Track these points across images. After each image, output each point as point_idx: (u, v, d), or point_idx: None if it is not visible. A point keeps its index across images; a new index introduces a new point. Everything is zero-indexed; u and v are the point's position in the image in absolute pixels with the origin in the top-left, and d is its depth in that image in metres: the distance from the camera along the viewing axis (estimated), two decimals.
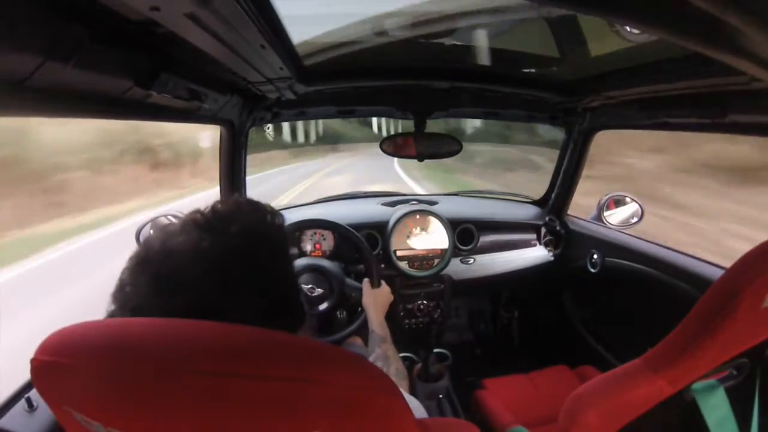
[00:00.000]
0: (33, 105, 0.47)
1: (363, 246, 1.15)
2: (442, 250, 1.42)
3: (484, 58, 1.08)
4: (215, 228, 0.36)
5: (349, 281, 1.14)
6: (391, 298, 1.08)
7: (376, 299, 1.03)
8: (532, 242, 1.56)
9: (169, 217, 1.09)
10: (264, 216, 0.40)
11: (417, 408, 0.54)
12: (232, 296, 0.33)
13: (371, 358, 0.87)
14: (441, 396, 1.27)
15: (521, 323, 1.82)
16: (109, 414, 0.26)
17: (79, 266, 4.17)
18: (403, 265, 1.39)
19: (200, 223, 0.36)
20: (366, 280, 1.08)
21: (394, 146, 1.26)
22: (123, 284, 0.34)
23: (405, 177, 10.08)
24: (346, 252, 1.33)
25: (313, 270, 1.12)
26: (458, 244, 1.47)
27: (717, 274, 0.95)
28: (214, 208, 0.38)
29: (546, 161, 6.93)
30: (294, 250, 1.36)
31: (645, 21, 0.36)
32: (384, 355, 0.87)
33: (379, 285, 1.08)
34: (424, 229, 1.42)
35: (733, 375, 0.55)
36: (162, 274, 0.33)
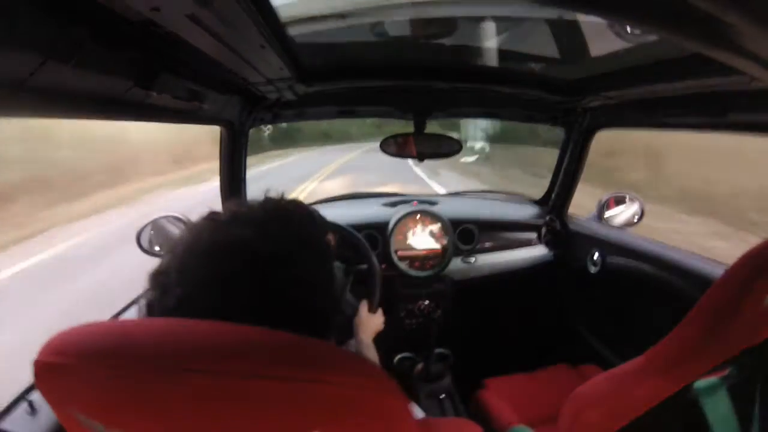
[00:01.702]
0: (33, 105, 0.47)
1: (373, 266, 1.04)
2: (442, 250, 1.42)
3: (484, 58, 1.08)
4: (268, 226, 0.35)
5: (348, 297, 1.11)
6: (382, 327, 1.01)
7: (368, 324, 0.98)
8: (533, 242, 1.56)
9: (170, 219, 1.09)
10: (313, 219, 0.39)
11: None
12: (274, 299, 0.33)
13: None
14: (442, 396, 1.27)
15: (522, 322, 1.82)
16: (111, 415, 0.26)
17: None
18: (404, 265, 1.39)
19: (252, 219, 0.35)
20: (364, 301, 1.02)
21: (394, 146, 1.26)
22: (167, 269, 0.34)
23: None
24: (346, 253, 1.33)
25: None
26: (459, 244, 1.47)
27: (718, 272, 0.95)
28: (264, 205, 0.38)
29: None
30: None
31: (645, 21, 0.36)
32: None
33: (375, 311, 1.01)
34: (424, 229, 1.42)
35: (734, 374, 0.54)
36: (210, 266, 0.33)
